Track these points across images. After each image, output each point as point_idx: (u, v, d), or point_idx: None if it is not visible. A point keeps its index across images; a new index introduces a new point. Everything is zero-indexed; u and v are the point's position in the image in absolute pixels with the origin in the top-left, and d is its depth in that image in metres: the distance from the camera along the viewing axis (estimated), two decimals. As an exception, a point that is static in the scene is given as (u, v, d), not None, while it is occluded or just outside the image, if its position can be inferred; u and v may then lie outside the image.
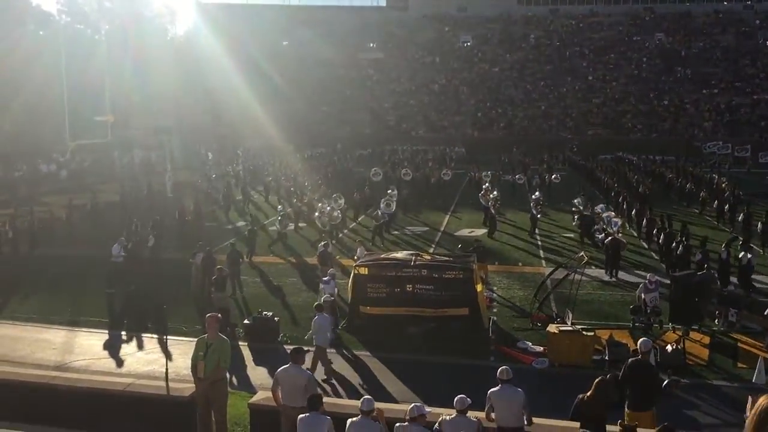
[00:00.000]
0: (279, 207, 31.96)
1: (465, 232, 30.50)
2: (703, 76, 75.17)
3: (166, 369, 10.22)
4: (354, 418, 8.21)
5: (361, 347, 16.15)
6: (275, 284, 21.89)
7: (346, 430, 8.12)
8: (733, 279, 20.35)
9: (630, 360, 10.56)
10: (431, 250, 25.19)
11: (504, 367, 9.20)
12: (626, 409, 10.05)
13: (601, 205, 29.43)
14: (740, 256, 20.33)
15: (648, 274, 18.59)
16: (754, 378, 13.80)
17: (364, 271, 17.06)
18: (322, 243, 21.66)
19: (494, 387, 8.93)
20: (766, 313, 16.46)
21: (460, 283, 16.61)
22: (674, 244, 21.92)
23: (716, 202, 32.50)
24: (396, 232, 30.22)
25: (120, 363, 15.30)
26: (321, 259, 20.69)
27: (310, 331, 14.73)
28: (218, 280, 17.38)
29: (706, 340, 16.25)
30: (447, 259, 18.64)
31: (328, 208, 28.85)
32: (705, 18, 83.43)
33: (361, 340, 16.45)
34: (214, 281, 17.45)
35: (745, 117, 68.79)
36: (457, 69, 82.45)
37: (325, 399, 9.16)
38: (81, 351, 16.04)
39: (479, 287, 17.14)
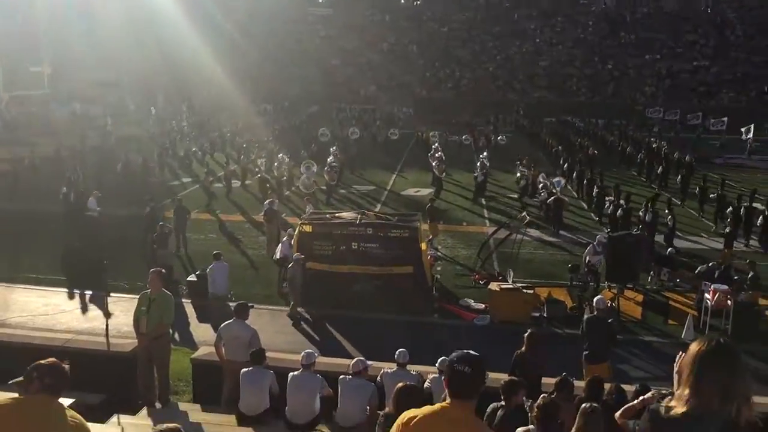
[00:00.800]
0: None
1: (411, 191, 30.72)
2: (645, 41, 76.43)
3: (107, 324, 10.13)
4: (295, 372, 8.32)
5: (306, 304, 16.25)
6: (221, 241, 21.72)
7: (288, 384, 8.23)
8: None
9: (586, 317, 11.36)
10: (377, 209, 25.32)
11: (401, 350, 9.13)
12: (585, 362, 10.66)
13: (558, 179, 27.81)
14: (641, 213, 21.32)
15: (598, 235, 19.04)
16: (683, 334, 14.45)
17: (309, 228, 17.06)
18: (268, 201, 21.54)
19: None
20: (696, 271, 17.19)
21: (405, 242, 16.77)
22: (614, 207, 22.55)
23: (658, 166, 33.35)
24: (343, 191, 30.23)
25: (59, 320, 15.05)
26: (267, 216, 20.59)
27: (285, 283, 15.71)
28: (160, 236, 17.16)
29: (640, 298, 16.90)
30: (392, 218, 18.78)
31: (275, 165, 28.69)
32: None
33: (305, 298, 16.54)
34: (155, 238, 17.23)
35: (685, 83, 70.45)
36: (407, 28, 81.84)
37: (269, 354, 9.24)
38: (18, 308, 15.70)
39: (423, 246, 17.36)
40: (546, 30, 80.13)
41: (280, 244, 17.89)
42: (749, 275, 16.32)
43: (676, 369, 2.83)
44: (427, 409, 3.24)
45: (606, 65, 73.81)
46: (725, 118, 45.44)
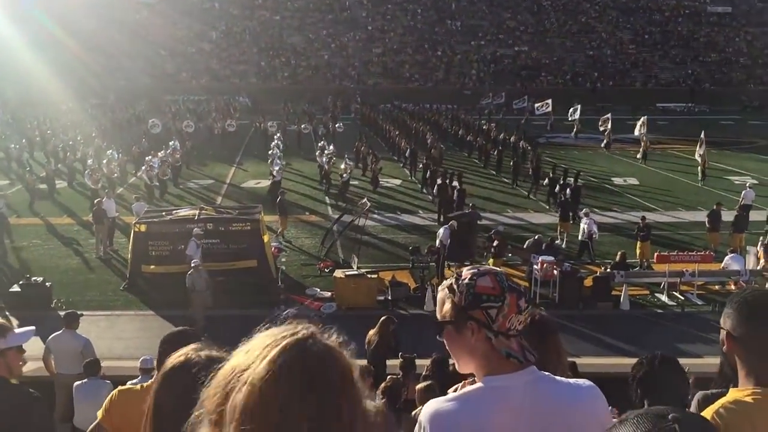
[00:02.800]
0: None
1: (251, 183, 30.24)
2: (471, 28, 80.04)
3: None
4: (81, 381, 8.00)
5: (145, 307, 15.58)
6: (46, 247, 20.24)
7: (74, 393, 7.91)
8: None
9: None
10: (218, 203, 24.70)
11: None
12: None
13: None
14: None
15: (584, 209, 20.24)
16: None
17: (143, 228, 16.32)
18: (96, 200, 20.32)
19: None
20: (525, 246, 18.34)
21: (247, 235, 16.53)
22: (449, 189, 23.48)
23: (493, 149, 35.01)
24: (181, 187, 29.19)
25: None
26: (96, 216, 19.40)
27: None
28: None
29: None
30: (233, 211, 18.40)
31: (105, 162, 27.13)
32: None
33: (144, 300, 15.86)
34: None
35: (509, 67, 74.62)
36: (238, 16, 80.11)
37: (107, 363, 8.76)
38: None
39: (266, 238, 17.18)
40: (378, 18, 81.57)
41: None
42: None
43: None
44: None
45: (436, 52, 76.48)
46: (549, 100, 48.53)
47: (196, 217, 16.64)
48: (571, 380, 2.03)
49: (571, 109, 43.29)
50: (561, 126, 46.91)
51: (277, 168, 26.97)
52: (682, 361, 3.45)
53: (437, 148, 33.17)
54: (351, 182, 27.35)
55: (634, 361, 3.53)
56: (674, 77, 73.77)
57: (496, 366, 1.94)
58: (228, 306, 15.20)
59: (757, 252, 18.06)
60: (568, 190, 22.94)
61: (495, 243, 18.02)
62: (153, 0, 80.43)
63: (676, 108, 60.36)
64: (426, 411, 1.94)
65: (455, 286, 1.97)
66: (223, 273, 16.13)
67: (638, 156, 34.15)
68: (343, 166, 27.48)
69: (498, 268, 2.08)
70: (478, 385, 1.96)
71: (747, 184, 24.12)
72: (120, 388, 4.24)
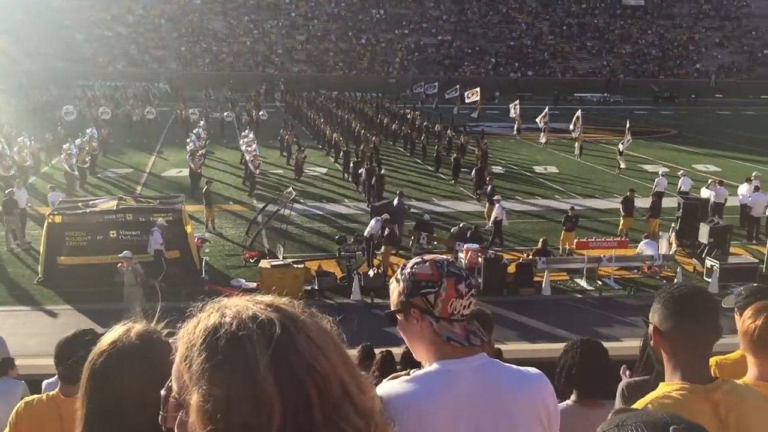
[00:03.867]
0: None
1: (173, 172, 29.48)
2: (395, 16, 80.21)
3: None
4: None
5: (61, 301, 15.01)
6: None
7: None
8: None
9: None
10: (138, 193, 23.99)
11: None
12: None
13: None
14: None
15: (496, 196, 20.41)
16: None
17: (58, 219, 15.70)
18: (8, 190, 19.38)
19: None
20: (450, 233, 18.61)
21: (169, 226, 16.11)
22: (371, 176, 23.54)
23: (418, 137, 35.21)
24: (99, 176, 28.20)
25: None
26: (6, 207, 18.50)
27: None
28: None
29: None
30: (153, 201, 17.91)
31: (16, 150, 25.89)
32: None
33: (60, 294, 15.27)
34: None
35: (432, 56, 75.24)
36: (156, 0, 77.66)
37: (19, 361, 8.36)
38: None
39: (189, 228, 16.81)
40: (301, 5, 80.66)
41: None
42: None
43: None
44: None
45: (360, 40, 76.31)
46: (478, 89, 49.10)
47: (115, 208, 16.12)
48: (521, 368, 2.08)
49: (511, 106, 42.64)
50: (486, 115, 47.69)
51: (190, 155, 26.04)
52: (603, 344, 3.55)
53: (372, 140, 32.10)
54: (275, 171, 26.90)
55: (557, 346, 3.62)
56: (591, 68, 76.09)
57: (445, 351, 1.98)
58: (148, 299, 14.81)
59: (669, 237, 18.89)
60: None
61: (425, 234, 18.25)
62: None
63: (593, 98, 62.28)
64: (377, 391, 1.95)
65: (400, 276, 2.03)
66: (144, 265, 15.68)
67: (576, 152, 34.00)
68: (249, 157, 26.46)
69: (443, 256, 2.12)
70: (429, 368, 2.01)
71: (660, 172, 25.12)
72: (25, 399, 4.03)
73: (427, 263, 2.01)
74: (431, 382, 1.96)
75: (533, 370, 2.08)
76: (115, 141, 34.99)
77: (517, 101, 42.12)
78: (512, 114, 40.44)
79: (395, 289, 2.04)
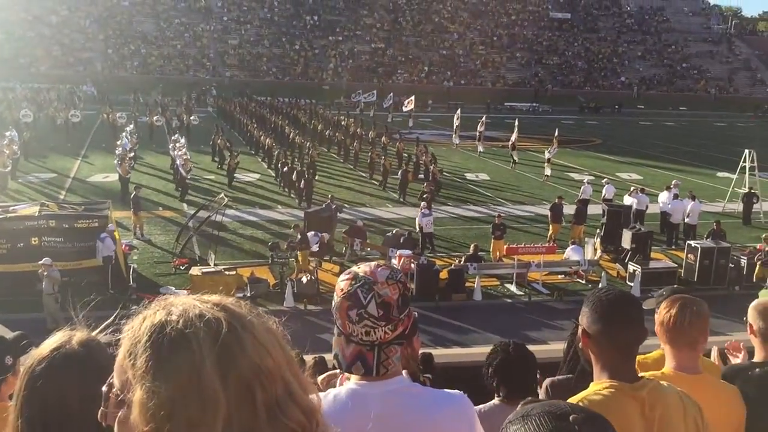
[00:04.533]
0: None
1: (99, 177, 28.65)
2: (329, 23, 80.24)
3: None
4: None
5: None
6: None
7: None
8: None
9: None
10: (61, 198, 23.20)
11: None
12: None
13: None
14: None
15: (422, 203, 20.61)
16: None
17: (-24, 226, 15.04)
18: None
19: None
20: (384, 239, 18.70)
21: (94, 233, 15.65)
22: (302, 182, 23.51)
23: (351, 143, 35.19)
24: (20, 181, 27.14)
25: None
26: None
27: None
28: None
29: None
30: (78, 207, 17.36)
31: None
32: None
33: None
34: None
35: (366, 63, 75.56)
36: (81, 0, 75.40)
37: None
38: None
39: (116, 235, 16.37)
40: (233, 9, 79.82)
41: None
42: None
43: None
44: None
45: (293, 45, 75.99)
46: (413, 97, 49.52)
47: (37, 214, 15.55)
48: (442, 390, 2.02)
49: (454, 116, 42.78)
50: (418, 123, 48.18)
51: (119, 160, 25.44)
52: (530, 347, 3.66)
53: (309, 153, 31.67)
54: (207, 177, 26.50)
55: (487, 349, 3.71)
56: (520, 78, 77.90)
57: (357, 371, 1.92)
58: (73, 308, 14.33)
59: (594, 243, 19.50)
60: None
61: (358, 241, 18.28)
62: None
63: (522, 107, 63.75)
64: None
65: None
66: (68, 273, 15.17)
67: (515, 159, 34.30)
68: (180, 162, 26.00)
69: (387, 269, 1.92)
70: (341, 386, 1.96)
71: (585, 180, 25.89)
72: None
73: (347, 276, 1.91)
74: (342, 401, 1.89)
75: (457, 393, 1.99)
76: (38, 145, 33.77)
77: (459, 110, 42.39)
78: (456, 123, 40.64)
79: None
